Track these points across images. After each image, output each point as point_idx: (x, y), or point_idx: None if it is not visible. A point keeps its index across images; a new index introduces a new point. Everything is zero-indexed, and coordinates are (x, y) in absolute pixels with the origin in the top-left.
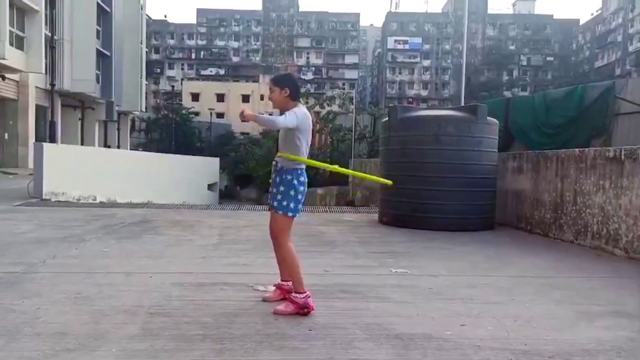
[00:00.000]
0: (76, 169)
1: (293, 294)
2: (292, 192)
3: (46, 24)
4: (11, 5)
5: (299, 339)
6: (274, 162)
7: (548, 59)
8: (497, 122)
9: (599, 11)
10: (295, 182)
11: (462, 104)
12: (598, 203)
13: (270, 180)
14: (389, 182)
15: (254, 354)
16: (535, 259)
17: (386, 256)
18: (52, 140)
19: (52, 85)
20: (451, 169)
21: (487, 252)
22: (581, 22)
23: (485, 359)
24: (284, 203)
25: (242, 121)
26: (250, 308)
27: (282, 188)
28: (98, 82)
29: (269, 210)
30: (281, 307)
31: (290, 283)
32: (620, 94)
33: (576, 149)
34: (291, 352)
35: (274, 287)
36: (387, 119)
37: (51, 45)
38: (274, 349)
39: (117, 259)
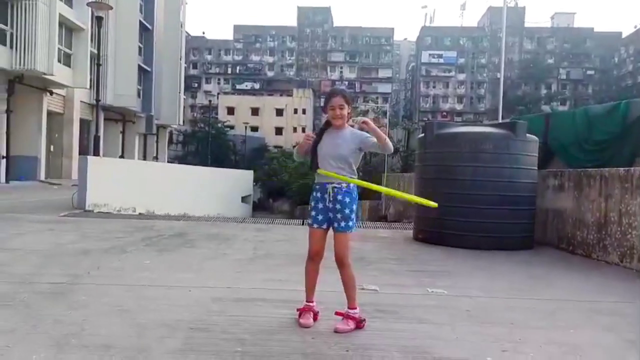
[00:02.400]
0: (117, 181)
1: (351, 311)
2: (355, 207)
3: (92, 41)
4: (60, 25)
5: (337, 359)
6: (331, 188)
7: (588, 72)
8: (537, 139)
9: None
10: (356, 195)
11: (500, 120)
12: None
13: (327, 204)
14: (434, 204)
15: None
16: (578, 281)
17: (422, 275)
18: (96, 153)
19: (97, 100)
20: (489, 186)
21: (527, 272)
22: (624, 35)
23: None
24: (354, 221)
25: (360, 128)
26: (288, 326)
27: (353, 206)
28: (139, 96)
29: (336, 233)
30: (341, 325)
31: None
32: None
33: (621, 168)
34: None
35: (343, 318)
36: (422, 134)
37: (97, 63)
38: None
39: (158, 271)
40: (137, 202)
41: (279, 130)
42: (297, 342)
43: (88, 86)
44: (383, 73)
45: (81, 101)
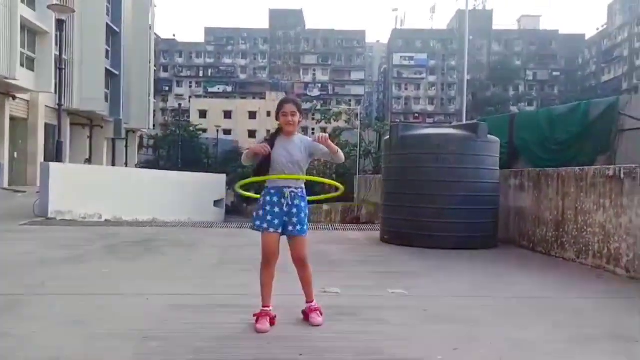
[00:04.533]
0: (82, 187)
1: (314, 304)
2: (307, 211)
3: (57, 45)
4: (22, 28)
5: None
6: (289, 192)
7: (554, 73)
8: (498, 139)
9: (605, 26)
10: (306, 200)
11: (464, 121)
12: (599, 222)
13: (283, 208)
14: (341, 187)
15: None
16: (536, 278)
17: (385, 276)
18: (59, 159)
19: (60, 105)
20: (452, 187)
21: (488, 271)
22: (587, 37)
23: None
24: (307, 224)
25: (321, 142)
26: (244, 331)
27: (306, 211)
28: (107, 100)
29: (291, 236)
30: (316, 318)
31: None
32: (624, 110)
33: (576, 168)
34: None
35: (305, 313)
36: (388, 137)
37: (59, 67)
38: None
39: (117, 280)
40: (104, 208)
41: (252, 134)
42: (252, 349)
43: (53, 90)
44: (355, 75)
45: (46, 106)
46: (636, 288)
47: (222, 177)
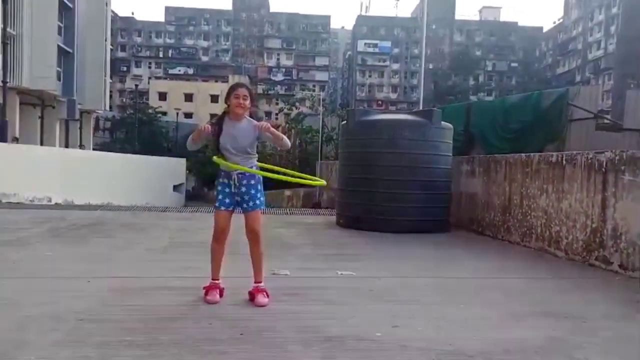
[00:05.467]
0: (29, 169)
1: (261, 284)
2: (260, 187)
3: (4, 18)
4: None
5: (229, 343)
6: (235, 175)
7: (512, 65)
8: (452, 126)
9: (561, 20)
10: (259, 177)
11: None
12: (542, 206)
13: (232, 189)
14: (322, 182)
15: (180, 359)
16: (481, 260)
17: (336, 258)
18: (3, 139)
19: (4, 82)
20: (406, 172)
21: (436, 253)
22: (544, 30)
23: (409, 358)
24: (262, 199)
25: (259, 136)
26: (187, 313)
27: (258, 186)
28: (59, 79)
29: (244, 212)
30: (261, 299)
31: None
32: (573, 100)
33: (523, 154)
34: (218, 356)
35: (251, 294)
36: (345, 122)
37: (3, 41)
38: (201, 355)
39: (59, 263)
40: (54, 191)
41: (214, 117)
42: (192, 329)
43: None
44: (320, 61)
45: None
46: (572, 269)
47: (182, 162)
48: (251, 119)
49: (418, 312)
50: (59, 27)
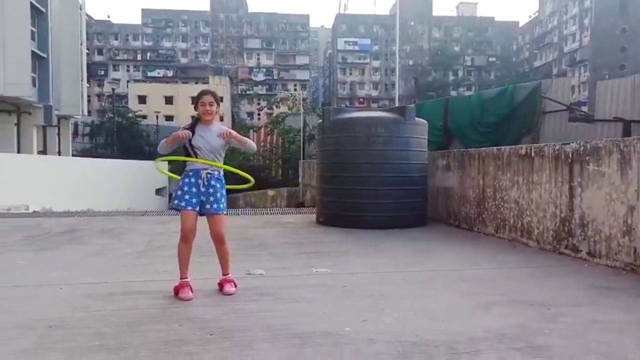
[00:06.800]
0: (5, 177)
1: (229, 276)
2: (224, 192)
3: None
4: None
5: (197, 343)
6: (205, 174)
7: (490, 59)
8: (426, 122)
9: (536, 14)
10: (224, 182)
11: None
12: (514, 198)
13: (200, 189)
14: (250, 178)
15: None
16: (455, 252)
17: (313, 256)
18: None
19: None
20: (382, 168)
21: (412, 248)
22: (520, 24)
23: (376, 352)
24: (224, 204)
25: (224, 138)
26: (158, 315)
27: (223, 191)
28: (34, 85)
29: (208, 214)
30: (228, 288)
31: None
32: (547, 93)
33: (494, 147)
34: (186, 357)
35: (220, 284)
36: (320, 120)
37: None
38: (169, 355)
39: (31, 271)
40: (31, 199)
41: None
42: (162, 332)
43: None
44: (300, 60)
45: None
46: (543, 258)
47: (164, 165)
48: (221, 125)
49: (388, 306)
50: (32, 32)
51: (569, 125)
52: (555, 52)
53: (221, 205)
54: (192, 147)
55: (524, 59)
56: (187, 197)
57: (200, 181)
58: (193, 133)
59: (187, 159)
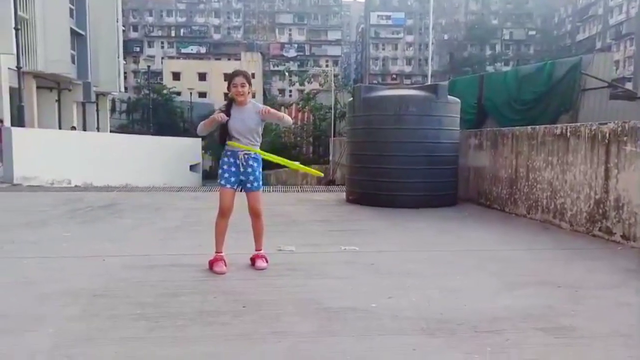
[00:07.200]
0: (48, 152)
1: (262, 252)
2: (261, 169)
3: (19, 3)
4: None
5: (231, 314)
6: (242, 155)
7: (530, 33)
8: (459, 100)
9: None
10: (261, 160)
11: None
12: (547, 178)
13: (239, 168)
14: (320, 174)
15: (184, 329)
16: (485, 233)
17: (342, 234)
18: (21, 124)
19: (19, 67)
20: (413, 147)
21: (441, 227)
22: None
23: (400, 327)
24: (260, 181)
25: (263, 119)
26: (194, 287)
27: (260, 169)
28: (74, 62)
29: (248, 192)
30: (260, 263)
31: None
32: (587, 70)
33: (529, 127)
34: (220, 327)
35: (252, 259)
36: (351, 99)
37: (15, 28)
38: (204, 325)
39: (75, 242)
40: (73, 174)
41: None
42: (198, 302)
43: (14, 52)
44: (332, 35)
45: (9, 68)
46: (576, 240)
47: (198, 142)
48: (256, 103)
49: (415, 284)
50: (71, 10)
51: (610, 103)
52: (600, 25)
53: (259, 183)
54: (228, 129)
55: (566, 32)
56: (226, 175)
57: (238, 161)
58: (229, 115)
59: (237, 145)
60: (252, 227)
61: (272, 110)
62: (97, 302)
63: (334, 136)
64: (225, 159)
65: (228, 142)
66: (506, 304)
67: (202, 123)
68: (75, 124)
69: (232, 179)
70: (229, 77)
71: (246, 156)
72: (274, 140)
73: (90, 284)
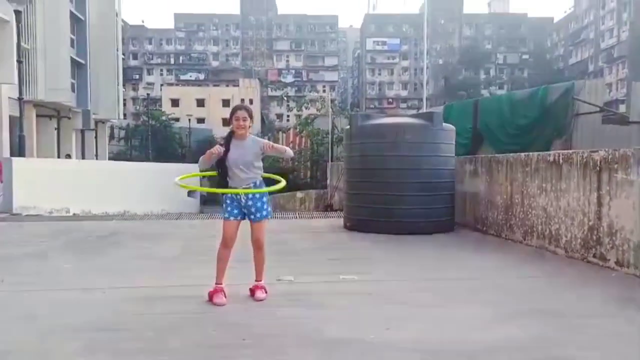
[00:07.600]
0: (47, 182)
1: (261, 282)
2: (265, 199)
3: (20, 34)
4: None
5: (231, 348)
6: (246, 184)
7: (524, 57)
8: (454, 127)
9: (572, 9)
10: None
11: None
12: (542, 205)
13: (241, 204)
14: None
15: None
16: (482, 260)
17: (340, 263)
18: (22, 153)
19: (20, 98)
20: (410, 174)
21: (438, 255)
22: (555, 20)
23: (397, 358)
24: (269, 209)
25: (265, 153)
26: (194, 320)
27: (264, 198)
28: (74, 90)
29: (252, 222)
30: (259, 294)
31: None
32: (580, 94)
33: (522, 154)
34: None
35: (251, 290)
36: (348, 126)
37: (18, 60)
38: (204, 359)
39: (76, 275)
40: (71, 202)
41: (226, 122)
42: (198, 336)
43: (16, 81)
44: (329, 61)
45: (10, 98)
46: (571, 266)
47: (196, 167)
48: (255, 138)
49: (412, 314)
50: (72, 39)
51: (604, 127)
52: (592, 49)
53: (264, 213)
54: (227, 162)
55: (559, 56)
56: (229, 209)
57: (239, 197)
58: (228, 147)
59: (230, 191)
60: (253, 258)
61: (276, 145)
62: (99, 336)
63: (331, 160)
64: (229, 194)
65: (227, 190)
66: (503, 334)
67: (202, 157)
68: (73, 152)
69: (235, 212)
70: (232, 111)
71: (247, 196)
72: (272, 165)
73: (93, 317)
